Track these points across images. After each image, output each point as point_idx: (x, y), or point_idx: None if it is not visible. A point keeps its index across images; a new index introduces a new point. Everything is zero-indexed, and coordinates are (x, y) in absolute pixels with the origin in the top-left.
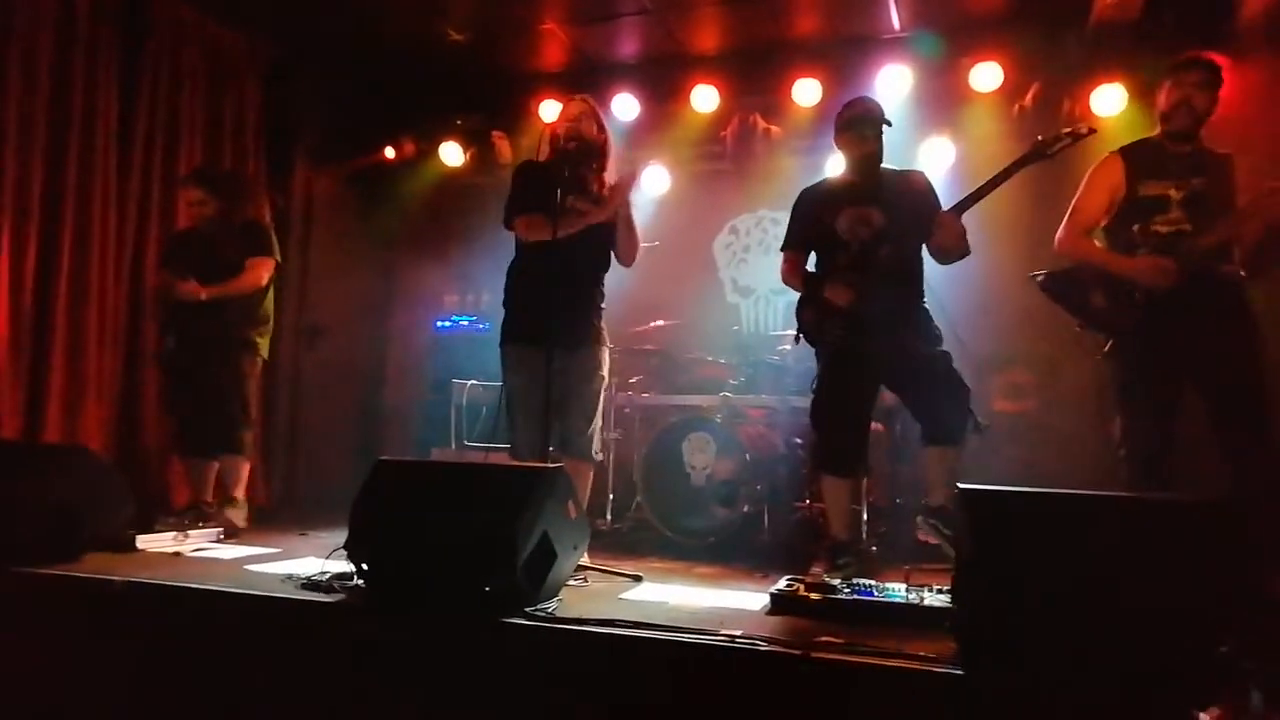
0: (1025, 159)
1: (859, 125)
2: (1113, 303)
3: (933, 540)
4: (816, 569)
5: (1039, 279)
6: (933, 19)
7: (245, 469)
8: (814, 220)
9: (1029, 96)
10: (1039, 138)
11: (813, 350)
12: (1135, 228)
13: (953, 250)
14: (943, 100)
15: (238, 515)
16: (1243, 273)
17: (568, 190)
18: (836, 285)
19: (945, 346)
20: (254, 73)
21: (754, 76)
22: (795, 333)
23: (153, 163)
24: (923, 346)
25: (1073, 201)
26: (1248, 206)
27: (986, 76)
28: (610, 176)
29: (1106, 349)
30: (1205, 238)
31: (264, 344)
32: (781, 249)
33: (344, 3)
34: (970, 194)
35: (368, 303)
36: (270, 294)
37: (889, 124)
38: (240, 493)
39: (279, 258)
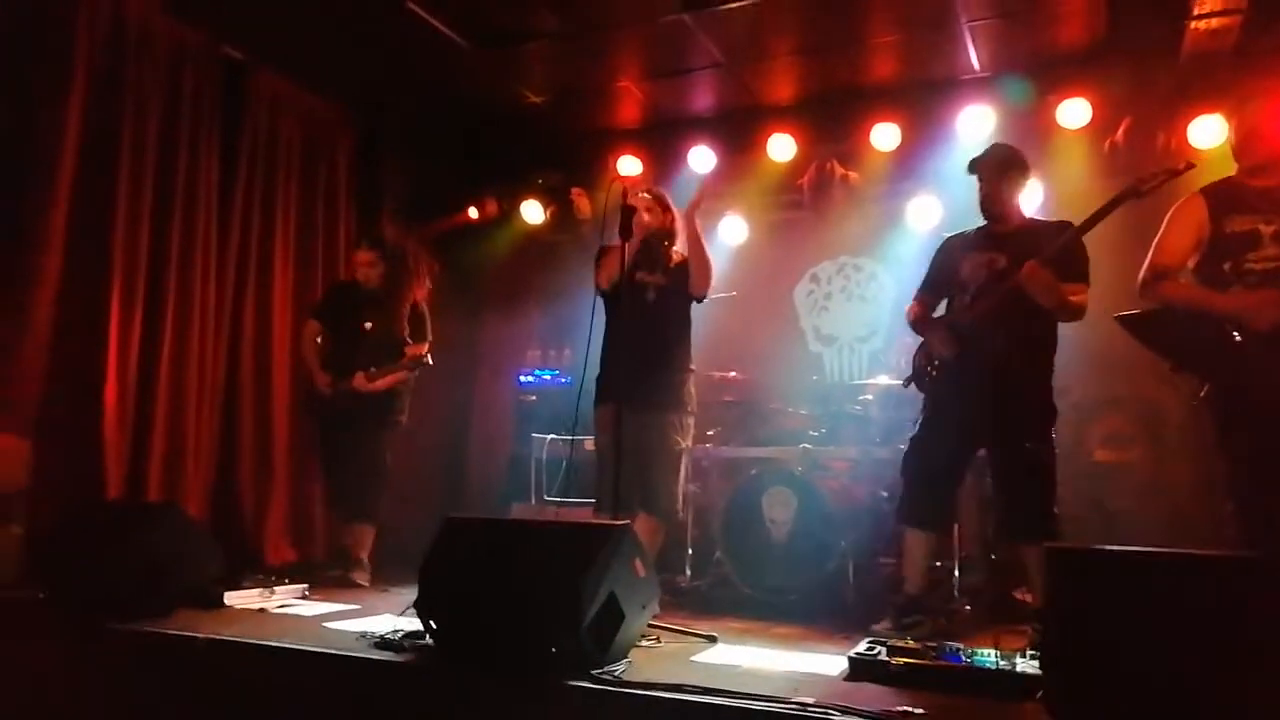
0: (1119, 199)
1: (973, 168)
2: (1207, 344)
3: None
4: (879, 626)
5: (1122, 319)
6: (1013, 58)
7: (371, 535)
8: (946, 265)
9: (1120, 132)
10: (1136, 178)
11: (899, 400)
12: (1226, 266)
13: (1047, 302)
14: (1029, 139)
15: (362, 575)
16: None
17: (630, 237)
18: (941, 330)
19: (1053, 403)
20: (345, 139)
21: (830, 123)
22: (907, 377)
23: (250, 228)
24: (1020, 428)
25: (1154, 242)
26: None
27: (1074, 113)
28: (680, 250)
29: (1203, 394)
30: None
31: (403, 418)
32: (916, 293)
33: (428, 71)
34: (1059, 244)
35: (454, 359)
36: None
37: (1013, 166)
38: (365, 554)
39: (431, 337)
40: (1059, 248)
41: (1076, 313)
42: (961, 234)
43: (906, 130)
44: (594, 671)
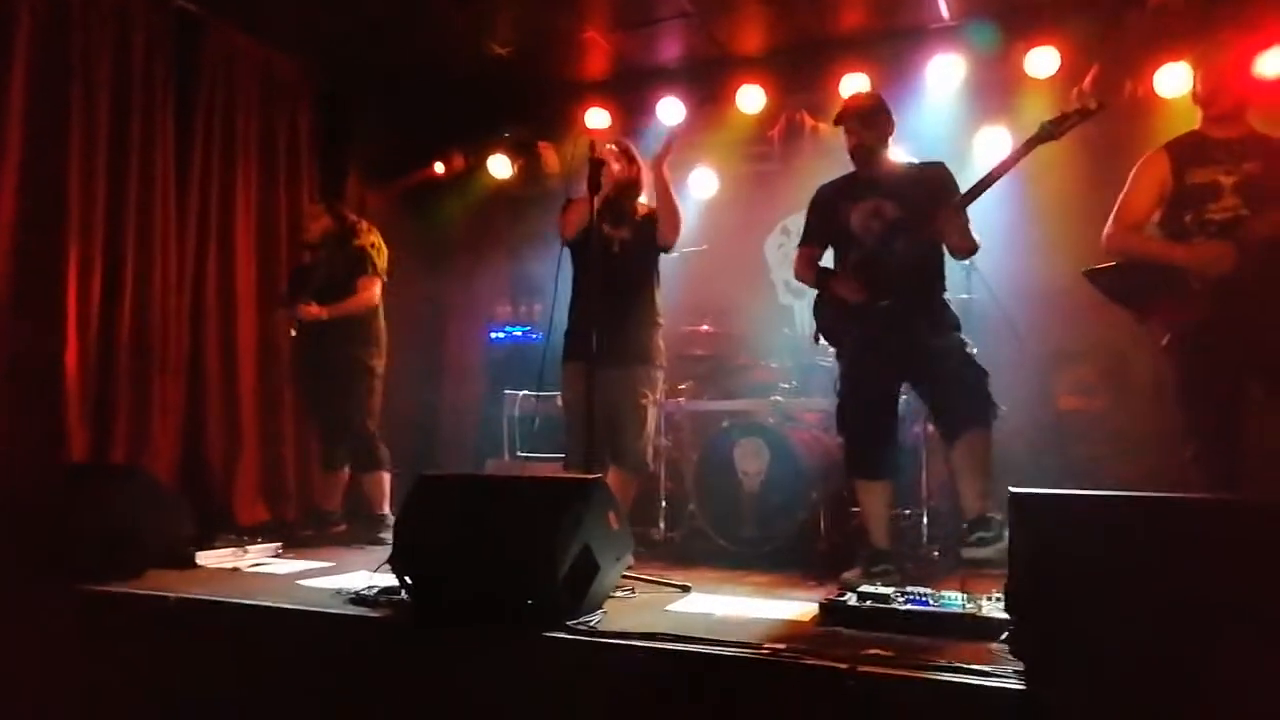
0: (1031, 143)
1: (844, 119)
2: (1168, 295)
3: (980, 557)
4: (849, 575)
5: (1089, 274)
6: (984, 6)
7: (387, 482)
8: (828, 215)
9: (1088, 80)
10: (1046, 120)
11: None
12: (1188, 218)
13: (958, 245)
14: (997, 88)
15: (390, 532)
16: None
17: (599, 190)
18: (848, 281)
19: (994, 339)
20: (306, 95)
21: (800, 74)
22: (814, 332)
23: (210, 185)
24: (933, 338)
25: (1119, 199)
26: None
27: (1043, 62)
28: (646, 203)
29: (1164, 343)
30: (1262, 222)
31: (379, 363)
32: (797, 245)
33: (391, 25)
34: (973, 186)
35: (421, 315)
36: (381, 314)
37: (879, 116)
38: (387, 507)
39: (385, 276)
40: (973, 190)
41: (974, 249)
42: (834, 183)
43: (876, 81)
44: (569, 623)
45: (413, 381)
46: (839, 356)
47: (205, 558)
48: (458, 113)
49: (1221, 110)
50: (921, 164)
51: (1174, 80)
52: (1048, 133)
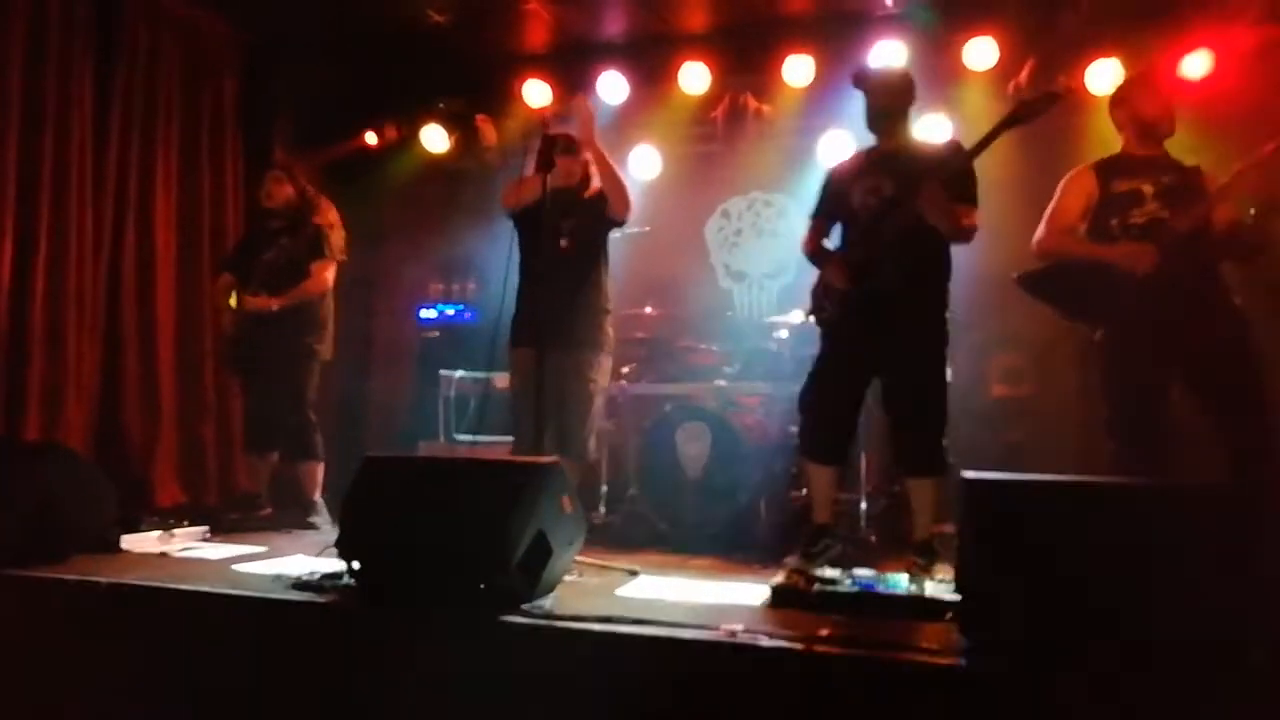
0: (1007, 122)
1: (857, 83)
2: (1095, 293)
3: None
4: (791, 559)
5: (1020, 279)
6: None
7: (320, 471)
8: (836, 190)
9: (1023, 74)
10: (1020, 100)
11: (811, 337)
12: (1113, 222)
13: (941, 223)
14: (938, 77)
15: (320, 518)
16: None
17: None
18: (839, 267)
19: (947, 332)
20: (231, 59)
21: (744, 55)
22: (808, 310)
23: (130, 152)
24: (914, 354)
25: (1048, 208)
26: (1224, 186)
27: (981, 53)
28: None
29: (1096, 338)
30: (1181, 220)
31: (323, 349)
32: (809, 217)
33: None
34: (953, 165)
35: (349, 293)
36: (330, 299)
37: (908, 88)
38: (318, 494)
39: (341, 258)
40: (952, 171)
41: (968, 235)
42: (850, 158)
43: (820, 64)
44: (524, 606)
45: (338, 361)
46: (821, 337)
47: (130, 541)
48: (391, 81)
49: (1166, 132)
50: (936, 143)
51: (1105, 77)
52: (1019, 116)
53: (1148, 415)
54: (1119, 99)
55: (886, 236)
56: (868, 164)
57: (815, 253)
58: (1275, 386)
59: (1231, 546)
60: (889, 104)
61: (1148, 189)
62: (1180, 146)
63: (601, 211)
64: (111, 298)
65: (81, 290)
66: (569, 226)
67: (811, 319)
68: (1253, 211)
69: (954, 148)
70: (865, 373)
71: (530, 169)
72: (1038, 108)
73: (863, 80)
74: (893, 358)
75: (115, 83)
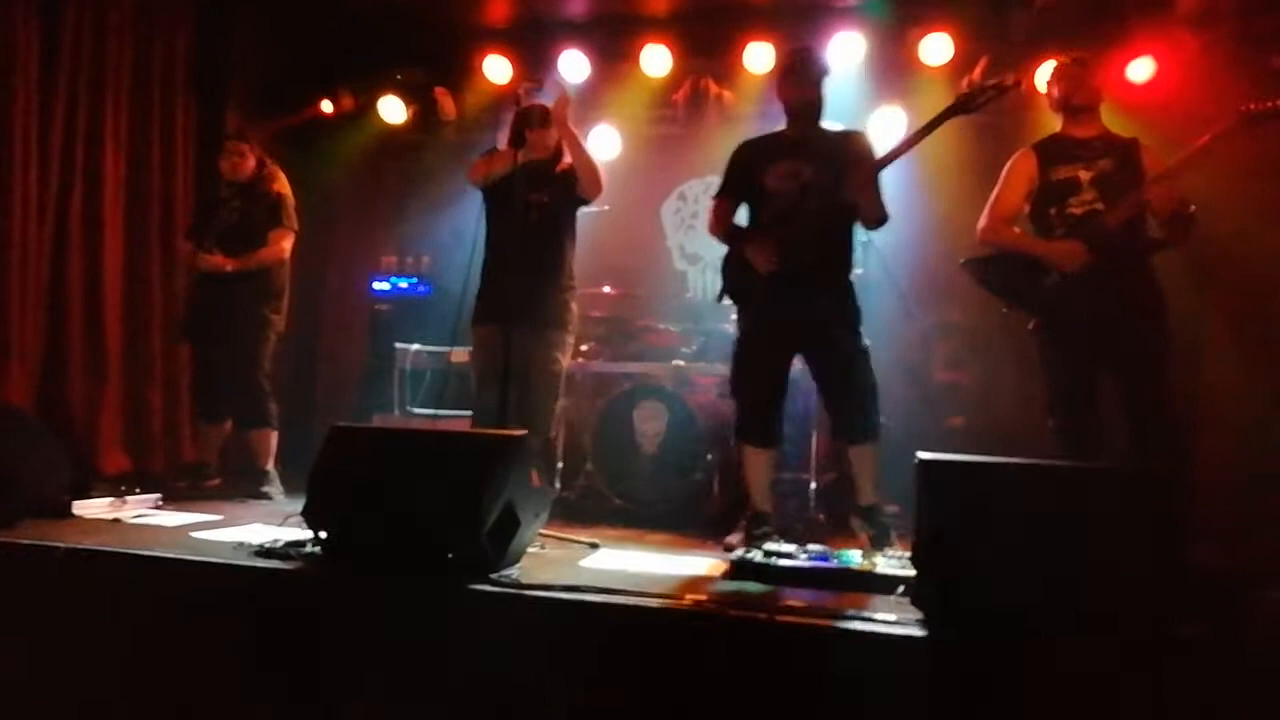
0: (946, 114)
1: (792, 72)
2: (1031, 284)
3: (864, 536)
4: (732, 539)
5: (965, 264)
6: None
7: (274, 440)
8: (747, 170)
9: (976, 71)
10: (964, 92)
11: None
12: (1052, 211)
13: (867, 210)
14: (895, 70)
15: (273, 488)
16: (1155, 237)
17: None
18: (760, 247)
19: (887, 314)
20: (183, 21)
21: (706, 40)
22: (720, 291)
23: (77, 112)
24: (836, 332)
25: (992, 194)
26: (1153, 182)
27: (936, 49)
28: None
29: (1030, 327)
30: (1113, 215)
31: (279, 319)
32: (713, 196)
33: None
34: (887, 152)
35: (301, 263)
36: (286, 268)
37: (825, 73)
38: (271, 464)
39: (297, 228)
40: (888, 156)
41: (885, 219)
42: (757, 139)
43: (780, 52)
44: (492, 575)
45: (289, 332)
46: (739, 318)
47: (81, 507)
48: (350, 49)
49: (1077, 106)
50: (844, 130)
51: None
52: (962, 105)
53: (1081, 398)
54: (1048, 85)
55: (809, 219)
56: (780, 147)
57: (724, 230)
58: (1192, 368)
59: (1155, 524)
60: (813, 92)
61: (1084, 176)
62: None
63: (572, 187)
64: (57, 260)
65: (25, 252)
66: (538, 200)
67: (724, 300)
68: (1193, 208)
69: (855, 135)
70: (788, 350)
71: (503, 142)
72: (981, 98)
73: (790, 63)
74: (813, 333)
75: (62, 38)
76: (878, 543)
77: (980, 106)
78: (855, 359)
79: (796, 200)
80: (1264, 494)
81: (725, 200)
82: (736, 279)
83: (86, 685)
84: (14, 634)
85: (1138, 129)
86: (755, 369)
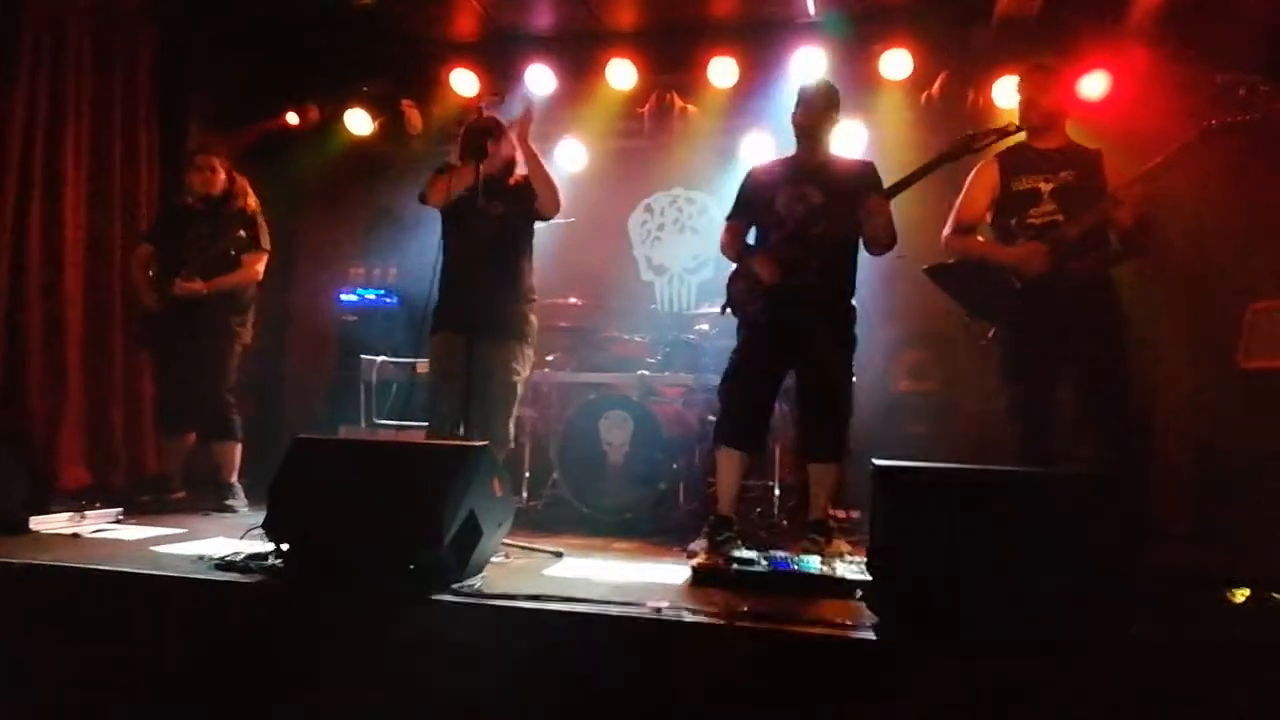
0: (954, 152)
1: (804, 103)
2: (994, 291)
3: (811, 552)
4: (696, 545)
5: (929, 271)
6: (845, 3)
7: (238, 453)
8: (758, 193)
9: (936, 86)
10: (969, 133)
11: (732, 329)
12: (1013, 221)
13: (881, 237)
14: (855, 85)
15: (237, 501)
16: (1115, 248)
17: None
18: (766, 260)
19: (855, 333)
20: (145, 31)
21: (671, 55)
22: (723, 304)
23: (35, 129)
24: (836, 366)
25: (956, 203)
26: (1113, 194)
27: (896, 64)
28: (520, 172)
29: (990, 334)
30: (1073, 226)
31: (244, 331)
32: (726, 219)
33: None
34: (899, 181)
35: (269, 274)
36: (254, 283)
37: (837, 104)
38: (235, 477)
39: (269, 247)
40: (896, 186)
41: (893, 244)
42: (768, 164)
43: (743, 67)
44: (454, 585)
45: (256, 344)
46: (739, 329)
47: (39, 523)
48: (315, 61)
49: (1034, 123)
50: (851, 159)
51: (1010, 92)
52: (968, 145)
53: (1039, 404)
54: (1016, 92)
55: (814, 241)
56: (791, 172)
57: (736, 250)
58: (1150, 382)
59: (1111, 527)
60: (820, 118)
61: (1045, 187)
62: None
63: (528, 199)
64: (15, 271)
65: None
66: (494, 210)
67: (729, 312)
68: (1148, 218)
69: (867, 166)
70: (783, 365)
71: (454, 156)
72: (987, 141)
73: (807, 95)
74: (809, 352)
75: (21, 50)
76: (822, 546)
77: (984, 147)
78: (842, 386)
79: (803, 222)
80: (1221, 494)
81: (737, 222)
82: (738, 293)
83: (45, 702)
84: None
85: (1095, 142)
86: (748, 376)
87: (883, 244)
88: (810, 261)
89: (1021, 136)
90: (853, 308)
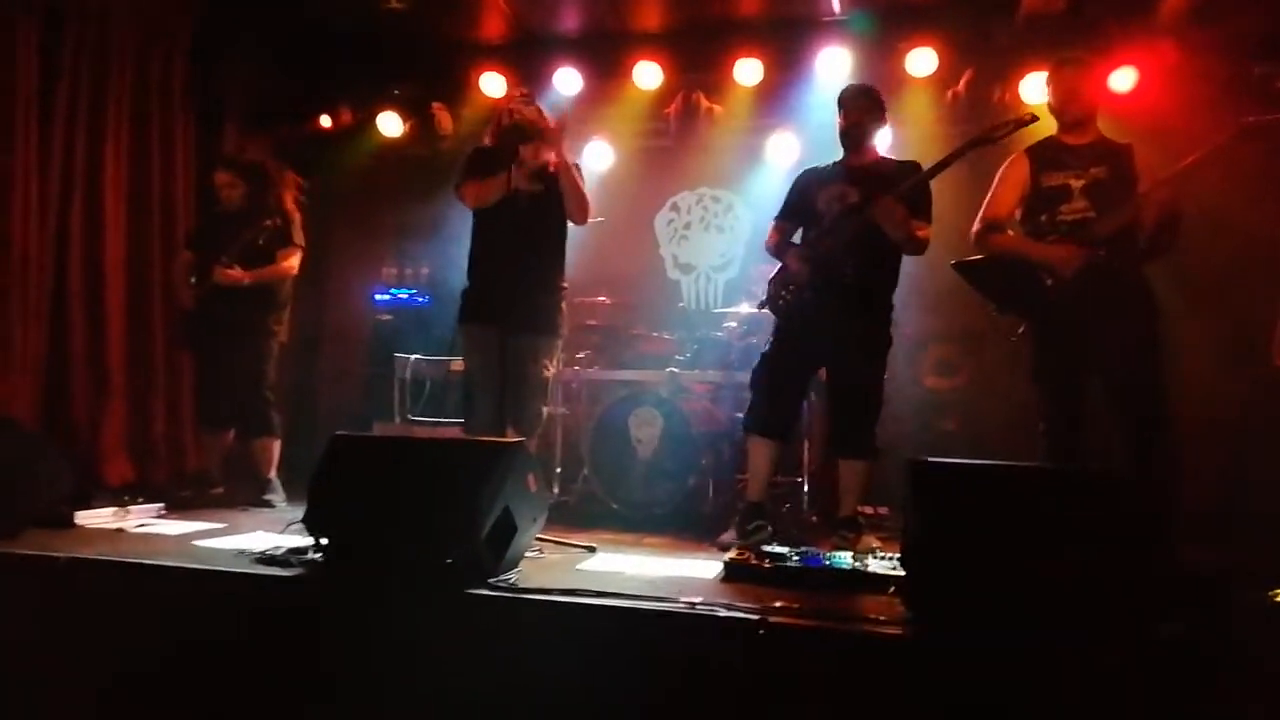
0: (971, 144)
1: (841, 102)
2: (1025, 289)
3: (841, 549)
4: (726, 536)
5: (957, 266)
6: (871, 2)
7: (277, 449)
8: (804, 194)
9: (962, 83)
10: (989, 126)
11: (758, 328)
12: (1043, 217)
13: (895, 235)
14: (881, 83)
15: (276, 496)
16: (1141, 247)
17: (513, 163)
18: (798, 254)
19: (891, 333)
20: (182, 37)
21: (697, 55)
22: (762, 300)
23: (77, 131)
24: (860, 350)
25: (986, 199)
26: (1145, 192)
27: (921, 62)
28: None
29: (1021, 331)
30: (1104, 224)
31: (281, 329)
32: (773, 219)
33: None
34: (911, 180)
35: (304, 273)
36: (290, 281)
37: (876, 105)
38: (274, 472)
39: (303, 244)
40: (910, 186)
41: (920, 247)
42: (819, 167)
43: (769, 67)
44: (490, 580)
45: (292, 342)
46: (775, 324)
47: (84, 518)
48: (348, 66)
49: (1071, 119)
50: (899, 161)
51: (1037, 88)
52: (985, 137)
53: (1070, 402)
54: (1046, 87)
55: (845, 237)
56: (838, 173)
57: (779, 247)
58: (1178, 380)
59: (1141, 525)
60: (858, 121)
61: (1076, 184)
62: None
63: (559, 215)
64: (59, 269)
65: (27, 261)
66: (533, 192)
67: (765, 309)
68: (1177, 214)
69: (913, 166)
70: (814, 359)
71: (488, 138)
72: (1004, 132)
73: (842, 99)
74: (841, 349)
75: (63, 57)
76: (852, 542)
77: (1000, 139)
78: (873, 383)
79: (838, 220)
80: (1254, 493)
81: (784, 222)
82: (774, 289)
83: (89, 694)
84: (17, 644)
85: (1123, 137)
86: (778, 368)
87: (906, 244)
88: (845, 259)
89: (1044, 129)
90: (890, 305)
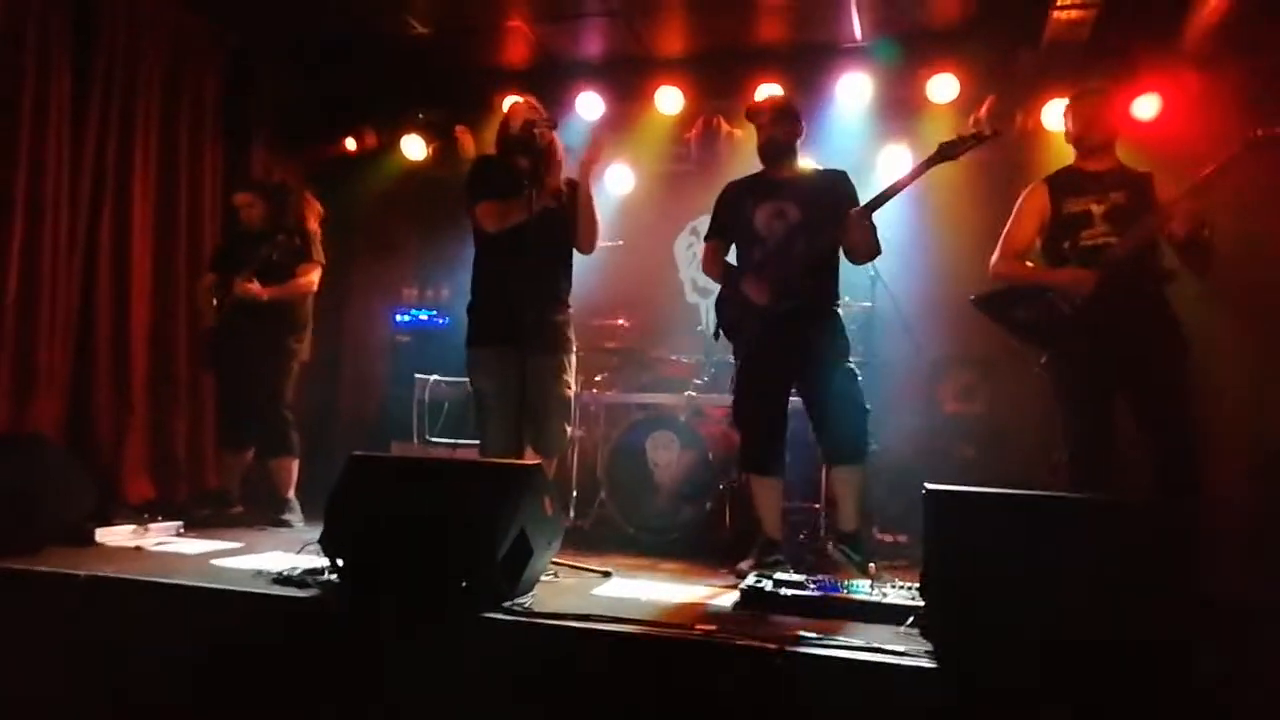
0: (930, 161)
1: (755, 115)
2: (1044, 317)
3: (843, 565)
4: (744, 565)
5: (975, 301)
6: (893, 29)
7: (295, 468)
8: (735, 211)
9: (984, 109)
10: (942, 141)
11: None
12: (1065, 245)
13: (860, 249)
14: (902, 110)
15: (294, 516)
16: (1169, 267)
17: (526, 179)
18: (757, 283)
19: (894, 346)
20: (212, 60)
21: (718, 80)
22: (716, 328)
23: (106, 152)
24: (827, 354)
25: (1005, 229)
26: (1162, 209)
27: (943, 88)
28: (560, 172)
29: (1043, 361)
30: (1122, 244)
31: (302, 349)
32: (704, 239)
33: None
34: (877, 195)
35: (324, 293)
36: (310, 298)
37: (785, 116)
38: (292, 492)
39: (324, 261)
40: (878, 198)
41: (872, 257)
42: (742, 180)
43: (790, 92)
44: (505, 604)
45: (312, 362)
46: (735, 353)
47: (105, 535)
48: (373, 89)
49: (1091, 146)
50: (825, 171)
51: (1059, 115)
52: (944, 153)
53: (1095, 429)
54: (1064, 117)
55: (800, 259)
56: (766, 187)
57: (720, 270)
58: (1206, 402)
59: (1169, 556)
60: (783, 134)
61: (1097, 209)
62: None
63: (565, 238)
64: (86, 290)
65: (55, 281)
66: (545, 206)
67: (719, 339)
68: (1207, 232)
69: (840, 175)
70: (784, 381)
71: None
72: (961, 147)
73: (756, 114)
74: (805, 363)
75: (94, 79)
76: (860, 571)
77: (959, 155)
78: (843, 382)
79: (785, 240)
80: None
81: (718, 241)
82: (731, 316)
83: (105, 711)
84: (37, 660)
85: (1145, 165)
86: (754, 400)
87: (863, 255)
88: (799, 280)
89: (1058, 157)
90: (838, 314)
